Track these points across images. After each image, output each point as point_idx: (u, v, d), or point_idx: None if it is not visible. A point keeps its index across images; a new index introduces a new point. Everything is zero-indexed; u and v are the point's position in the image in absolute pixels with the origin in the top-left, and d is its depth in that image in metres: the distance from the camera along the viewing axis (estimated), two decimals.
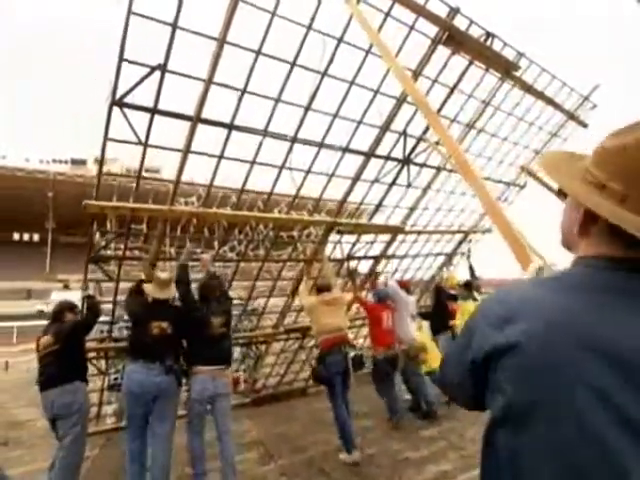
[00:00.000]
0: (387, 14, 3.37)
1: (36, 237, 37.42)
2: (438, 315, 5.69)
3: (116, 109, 2.74)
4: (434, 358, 4.87)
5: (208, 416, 3.28)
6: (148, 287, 3.32)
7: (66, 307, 3.31)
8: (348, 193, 4.43)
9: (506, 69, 4.43)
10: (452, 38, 3.72)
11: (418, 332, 5.12)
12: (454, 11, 3.63)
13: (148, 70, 2.69)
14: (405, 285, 5.26)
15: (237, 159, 3.54)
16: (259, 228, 4.63)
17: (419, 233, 5.90)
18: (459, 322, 5.31)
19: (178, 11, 2.63)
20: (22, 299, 27.59)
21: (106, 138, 2.83)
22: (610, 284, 0.64)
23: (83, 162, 34.36)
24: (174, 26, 2.65)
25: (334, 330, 3.92)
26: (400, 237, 5.68)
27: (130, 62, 2.61)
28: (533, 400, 0.60)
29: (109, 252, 3.85)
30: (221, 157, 3.42)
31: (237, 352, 5.75)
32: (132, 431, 3.05)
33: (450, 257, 6.93)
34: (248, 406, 5.38)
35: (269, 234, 4.71)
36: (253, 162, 3.59)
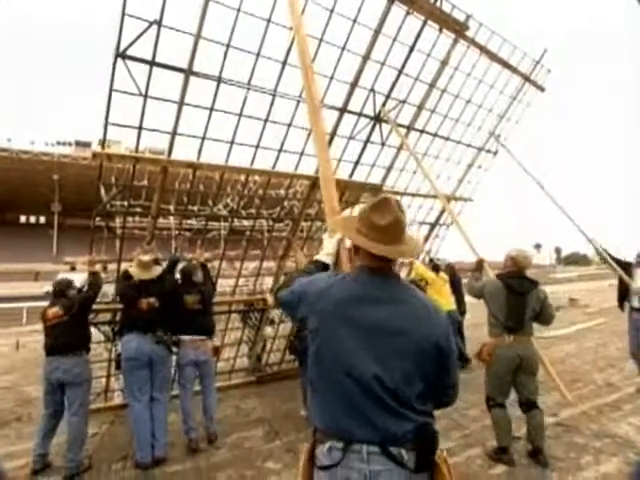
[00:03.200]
0: None
1: (42, 219, 38.26)
2: None
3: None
4: None
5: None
6: (133, 270, 3.80)
7: (69, 284, 3.74)
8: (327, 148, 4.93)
9: (457, 29, 5.00)
10: None
11: None
12: None
13: (147, 25, 3.32)
14: None
15: (226, 111, 4.12)
16: (249, 185, 5.02)
17: (398, 194, 6.25)
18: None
19: None
20: (30, 280, 28.25)
21: (111, 91, 3.40)
22: (367, 279, 1.37)
23: (88, 144, 34.09)
24: None
25: None
26: None
27: (131, 16, 3.25)
28: (318, 327, 1.35)
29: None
30: (212, 109, 3.99)
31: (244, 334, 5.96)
32: (134, 395, 3.51)
33: (433, 227, 7.24)
34: (253, 384, 5.59)
35: (258, 191, 5.15)
36: (240, 115, 4.18)
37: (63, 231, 35.36)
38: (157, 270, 3.85)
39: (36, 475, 3.32)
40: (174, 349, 3.81)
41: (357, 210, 1.62)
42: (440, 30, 4.95)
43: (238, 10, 3.65)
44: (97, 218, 4.13)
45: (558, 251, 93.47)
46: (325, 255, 1.75)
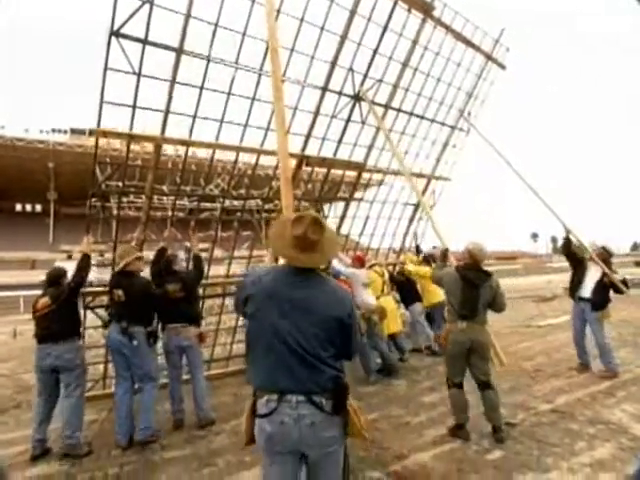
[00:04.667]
0: None
1: (38, 208, 37.98)
2: (407, 289, 6.46)
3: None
4: (393, 323, 5.72)
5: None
6: (117, 262, 3.93)
7: (62, 273, 3.75)
8: (311, 127, 5.07)
9: (424, 9, 5.31)
10: None
11: (384, 298, 5.75)
12: None
13: (139, 4, 3.25)
14: (360, 259, 5.85)
15: (216, 90, 4.17)
16: (238, 166, 5.06)
17: (380, 172, 6.51)
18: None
19: None
20: (27, 269, 28.48)
21: (106, 69, 3.36)
22: (291, 271, 1.74)
23: (82, 132, 33.02)
24: None
25: None
26: (365, 179, 6.35)
27: None
28: (254, 304, 1.72)
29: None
30: (202, 88, 4.04)
31: None
32: (117, 380, 3.80)
33: (416, 208, 7.39)
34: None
35: (247, 172, 5.22)
36: (229, 93, 4.22)
37: (59, 220, 35.11)
38: (130, 257, 3.82)
39: (35, 460, 3.34)
40: (152, 339, 3.87)
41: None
42: (409, 10, 5.23)
43: None
44: (93, 199, 4.16)
45: (554, 240, 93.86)
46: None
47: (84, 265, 3.73)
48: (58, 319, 3.47)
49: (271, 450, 1.64)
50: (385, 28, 5.12)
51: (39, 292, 3.74)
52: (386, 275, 6.05)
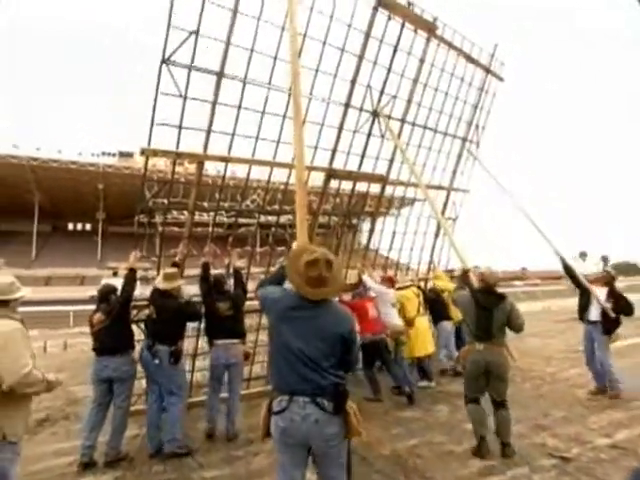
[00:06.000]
0: None
1: (88, 227, 40.61)
2: (437, 307, 6.31)
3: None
4: (419, 347, 5.56)
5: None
6: (158, 281, 4.09)
7: (111, 289, 3.97)
8: (337, 142, 5.38)
9: (429, 28, 5.81)
10: (386, 3, 5.20)
11: (419, 319, 5.70)
12: None
13: (187, 35, 3.49)
14: (390, 279, 5.91)
15: (251, 109, 4.53)
16: (272, 182, 5.27)
17: (402, 184, 6.71)
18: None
19: None
20: (77, 285, 30.32)
21: (157, 93, 3.59)
22: (301, 296, 2.09)
23: (130, 155, 36.29)
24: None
25: None
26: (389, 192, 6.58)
27: (175, 27, 3.45)
28: (273, 322, 2.14)
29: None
30: (239, 108, 4.36)
31: None
32: (150, 393, 3.98)
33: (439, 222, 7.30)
34: None
35: (280, 187, 5.44)
36: (263, 112, 4.56)
37: (107, 238, 37.34)
38: (176, 283, 4.00)
39: (85, 469, 3.46)
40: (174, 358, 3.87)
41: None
42: (415, 31, 5.75)
43: (258, 19, 4.16)
44: (141, 215, 4.46)
45: (605, 260, 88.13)
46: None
47: (129, 280, 3.88)
48: (113, 333, 3.69)
49: (284, 442, 1.99)
50: (396, 48, 5.59)
51: (87, 307, 3.98)
52: (421, 296, 5.97)
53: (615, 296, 4.91)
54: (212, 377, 4.18)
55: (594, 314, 4.98)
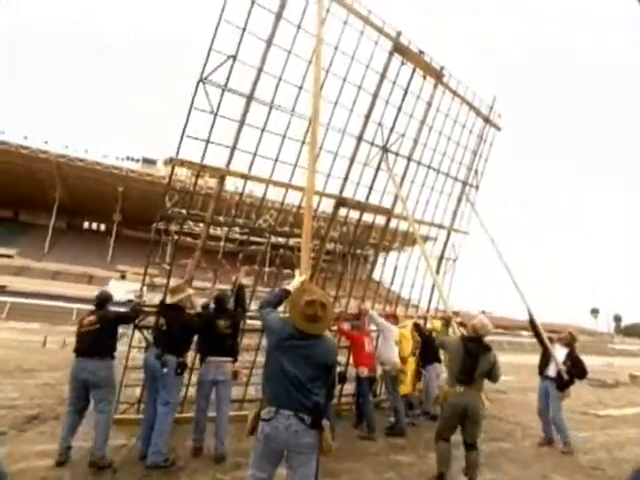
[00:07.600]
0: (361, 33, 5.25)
1: (103, 227, 41.52)
2: (429, 346, 6.18)
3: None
4: (410, 385, 5.95)
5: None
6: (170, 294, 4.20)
7: (109, 297, 4.08)
8: (348, 172, 5.61)
9: (437, 75, 6.29)
10: (400, 50, 5.72)
11: (411, 359, 6.01)
12: (398, 33, 5.60)
13: (224, 58, 3.69)
14: (395, 316, 5.99)
15: (272, 132, 4.77)
16: (285, 204, 5.40)
17: (406, 219, 6.69)
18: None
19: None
20: (84, 283, 30.52)
21: (191, 109, 3.77)
22: (295, 329, 2.45)
23: (153, 162, 37.69)
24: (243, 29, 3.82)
25: None
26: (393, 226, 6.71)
27: (217, 51, 3.66)
28: (270, 347, 2.53)
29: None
30: (263, 130, 4.58)
31: None
32: (147, 399, 4.07)
33: (440, 260, 7.59)
34: None
35: (293, 210, 5.61)
36: (284, 136, 4.81)
37: (120, 240, 37.88)
38: (181, 296, 4.10)
39: (61, 467, 3.45)
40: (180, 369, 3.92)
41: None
42: (424, 77, 6.22)
43: (289, 52, 4.52)
44: (160, 222, 4.58)
45: (617, 319, 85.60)
46: (291, 287, 2.93)
47: (138, 309, 4.19)
48: (98, 337, 3.73)
49: (266, 444, 2.30)
50: (406, 90, 6.05)
51: (91, 307, 4.02)
52: (416, 336, 6.10)
53: (572, 359, 5.25)
54: (199, 394, 4.15)
55: (552, 370, 5.31)
